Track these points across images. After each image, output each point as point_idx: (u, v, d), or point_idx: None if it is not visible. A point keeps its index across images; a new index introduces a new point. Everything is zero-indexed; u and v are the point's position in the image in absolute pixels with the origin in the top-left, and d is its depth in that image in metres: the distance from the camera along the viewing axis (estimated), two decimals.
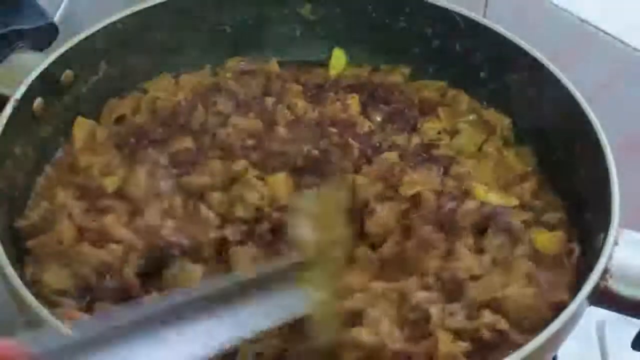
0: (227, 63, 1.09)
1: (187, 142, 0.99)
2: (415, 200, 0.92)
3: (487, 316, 0.84)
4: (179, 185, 0.95)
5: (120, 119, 1.03)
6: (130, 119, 1.03)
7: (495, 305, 0.85)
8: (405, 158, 0.98)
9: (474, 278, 0.87)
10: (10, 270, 0.80)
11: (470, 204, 0.92)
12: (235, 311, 0.77)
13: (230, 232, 0.90)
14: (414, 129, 1.04)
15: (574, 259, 0.90)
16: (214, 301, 0.76)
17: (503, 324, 0.83)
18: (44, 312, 0.77)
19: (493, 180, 0.99)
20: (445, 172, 0.97)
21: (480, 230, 0.92)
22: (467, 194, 0.94)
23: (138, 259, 0.87)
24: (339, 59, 1.12)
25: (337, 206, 0.92)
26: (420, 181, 0.94)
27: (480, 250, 0.90)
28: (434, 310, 0.84)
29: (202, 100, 1.02)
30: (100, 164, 0.97)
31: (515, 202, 0.96)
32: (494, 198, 0.95)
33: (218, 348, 0.74)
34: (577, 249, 0.90)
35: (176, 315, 0.73)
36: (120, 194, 0.95)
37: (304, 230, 0.87)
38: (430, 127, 1.04)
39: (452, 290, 0.86)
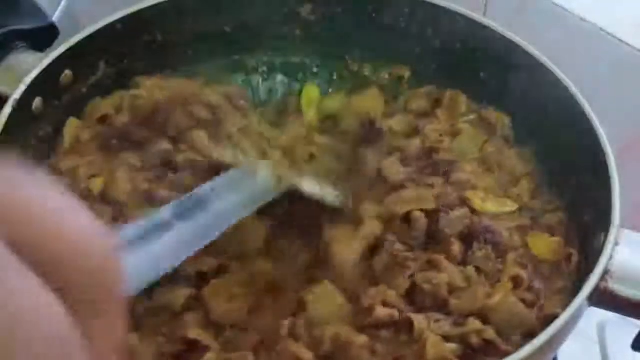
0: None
1: (165, 145, 0.98)
2: (407, 218, 0.92)
3: (474, 323, 0.84)
4: (153, 193, 0.94)
5: (104, 119, 1.02)
6: (113, 119, 1.01)
7: (481, 315, 0.85)
8: (406, 164, 0.98)
9: (457, 290, 0.87)
10: None
11: (457, 213, 0.92)
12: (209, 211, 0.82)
13: (206, 264, 0.89)
14: (416, 132, 1.03)
15: (573, 265, 0.90)
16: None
17: (490, 333, 0.83)
18: None
19: (494, 182, 0.99)
20: (446, 180, 0.97)
21: (468, 239, 0.91)
22: (464, 203, 0.94)
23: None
24: (311, 94, 1.11)
25: None
26: (415, 199, 0.93)
27: (464, 261, 0.90)
28: (418, 319, 0.84)
29: (181, 105, 1.01)
30: (85, 166, 0.96)
31: (513, 207, 0.96)
32: (491, 206, 0.95)
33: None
34: (575, 254, 0.91)
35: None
36: (104, 197, 0.94)
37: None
38: (433, 129, 1.03)
39: (435, 302, 0.86)
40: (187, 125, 1.00)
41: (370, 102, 1.08)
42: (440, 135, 1.02)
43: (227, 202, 0.85)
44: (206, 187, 0.85)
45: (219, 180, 0.87)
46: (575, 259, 0.90)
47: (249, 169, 0.90)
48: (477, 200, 0.94)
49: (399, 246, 0.89)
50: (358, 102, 1.08)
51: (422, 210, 0.91)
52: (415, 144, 1.01)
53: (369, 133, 1.03)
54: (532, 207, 0.97)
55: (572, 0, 1.23)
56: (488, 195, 0.96)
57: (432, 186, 0.95)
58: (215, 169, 0.95)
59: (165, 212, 0.79)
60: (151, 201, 0.93)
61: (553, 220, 0.95)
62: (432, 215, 0.91)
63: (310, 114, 1.08)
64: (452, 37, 1.06)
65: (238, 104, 1.05)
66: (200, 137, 0.99)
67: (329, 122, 1.06)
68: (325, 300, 0.87)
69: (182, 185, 0.94)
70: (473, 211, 0.93)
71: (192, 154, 0.97)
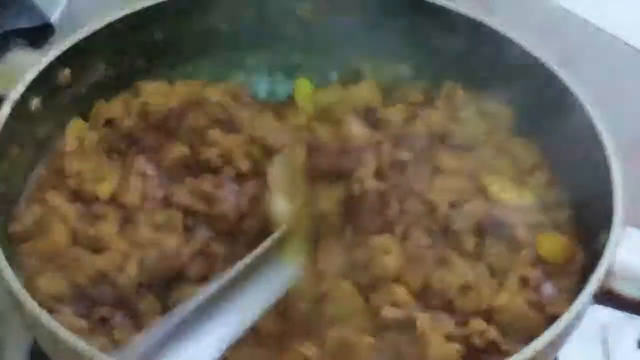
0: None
1: (182, 149, 0.98)
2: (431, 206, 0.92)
3: (477, 324, 0.84)
4: (169, 197, 0.94)
5: (109, 122, 1.02)
6: (119, 123, 1.01)
7: (485, 315, 0.85)
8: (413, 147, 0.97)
9: (464, 288, 0.87)
10: (10, 274, 0.79)
11: (470, 207, 0.91)
12: (230, 307, 0.79)
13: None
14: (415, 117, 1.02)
15: (577, 263, 0.89)
16: (208, 307, 0.78)
17: (493, 334, 0.83)
18: (44, 315, 0.77)
19: (510, 169, 0.97)
20: (462, 165, 0.96)
21: (481, 233, 0.91)
22: (480, 192, 0.93)
23: (139, 272, 0.87)
24: (303, 88, 1.10)
25: (295, 169, 0.91)
26: (447, 189, 0.93)
27: (477, 256, 0.89)
28: (421, 318, 0.83)
29: (193, 109, 1.01)
30: (91, 170, 0.96)
31: (531, 199, 0.94)
32: (509, 196, 0.94)
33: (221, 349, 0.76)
34: (580, 253, 0.90)
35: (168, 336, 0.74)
36: (113, 200, 0.94)
37: (279, 201, 0.87)
38: (434, 114, 1.02)
39: (441, 301, 0.86)
40: (202, 127, 1.00)
41: (366, 92, 1.07)
42: (443, 121, 1.01)
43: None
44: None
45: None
46: (579, 257, 0.89)
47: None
48: (495, 188, 0.93)
49: (423, 240, 0.89)
50: (353, 93, 1.07)
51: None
52: (419, 128, 1.00)
53: (369, 123, 1.02)
54: (545, 202, 0.95)
55: (574, 1, 1.23)
56: (506, 183, 0.95)
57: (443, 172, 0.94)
58: (240, 175, 0.96)
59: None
60: (168, 206, 0.93)
61: (561, 216, 0.94)
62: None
63: (307, 106, 1.08)
64: (453, 36, 1.05)
65: (242, 99, 1.05)
66: (217, 135, 0.99)
67: (325, 113, 1.05)
68: (343, 300, 0.86)
69: (200, 191, 0.94)
70: (489, 200, 0.92)
71: (214, 159, 0.97)
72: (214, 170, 0.96)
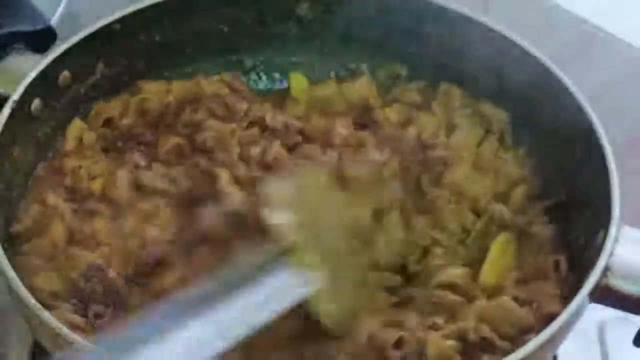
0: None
1: (177, 140, 0.99)
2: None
3: (470, 321, 0.84)
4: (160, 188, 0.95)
5: (107, 122, 1.02)
6: (117, 121, 1.02)
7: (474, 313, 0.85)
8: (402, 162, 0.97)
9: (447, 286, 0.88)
10: (11, 273, 0.79)
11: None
12: (225, 309, 0.73)
13: None
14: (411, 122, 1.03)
15: (561, 272, 0.89)
16: (200, 304, 0.72)
17: (485, 330, 0.83)
18: (46, 314, 0.77)
19: (489, 184, 0.98)
20: (437, 181, 0.96)
21: None
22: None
23: (125, 264, 0.87)
24: (299, 84, 1.11)
25: (320, 186, 0.85)
26: None
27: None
28: (411, 317, 0.84)
29: (190, 104, 1.02)
30: (87, 167, 0.97)
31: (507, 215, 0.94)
32: None
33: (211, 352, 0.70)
34: (564, 262, 0.90)
35: (158, 327, 0.69)
36: (105, 195, 0.95)
37: (278, 215, 0.80)
38: (428, 121, 1.03)
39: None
40: (199, 120, 1.00)
41: (362, 89, 1.07)
42: (436, 129, 1.02)
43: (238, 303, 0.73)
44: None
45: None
46: (564, 267, 0.89)
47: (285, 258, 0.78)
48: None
49: None
50: (349, 88, 1.07)
51: None
52: (411, 134, 1.00)
53: (366, 121, 1.02)
54: (525, 214, 0.95)
55: (573, 0, 1.23)
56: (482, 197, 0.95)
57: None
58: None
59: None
60: (154, 195, 0.94)
61: (542, 231, 0.94)
62: None
63: (303, 99, 1.08)
64: (451, 36, 1.05)
65: (237, 87, 1.06)
66: (214, 123, 1.00)
67: (321, 105, 1.05)
68: None
69: (168, 177, 0.95)
70: None
71: (209, 140, 0.97)
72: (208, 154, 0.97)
